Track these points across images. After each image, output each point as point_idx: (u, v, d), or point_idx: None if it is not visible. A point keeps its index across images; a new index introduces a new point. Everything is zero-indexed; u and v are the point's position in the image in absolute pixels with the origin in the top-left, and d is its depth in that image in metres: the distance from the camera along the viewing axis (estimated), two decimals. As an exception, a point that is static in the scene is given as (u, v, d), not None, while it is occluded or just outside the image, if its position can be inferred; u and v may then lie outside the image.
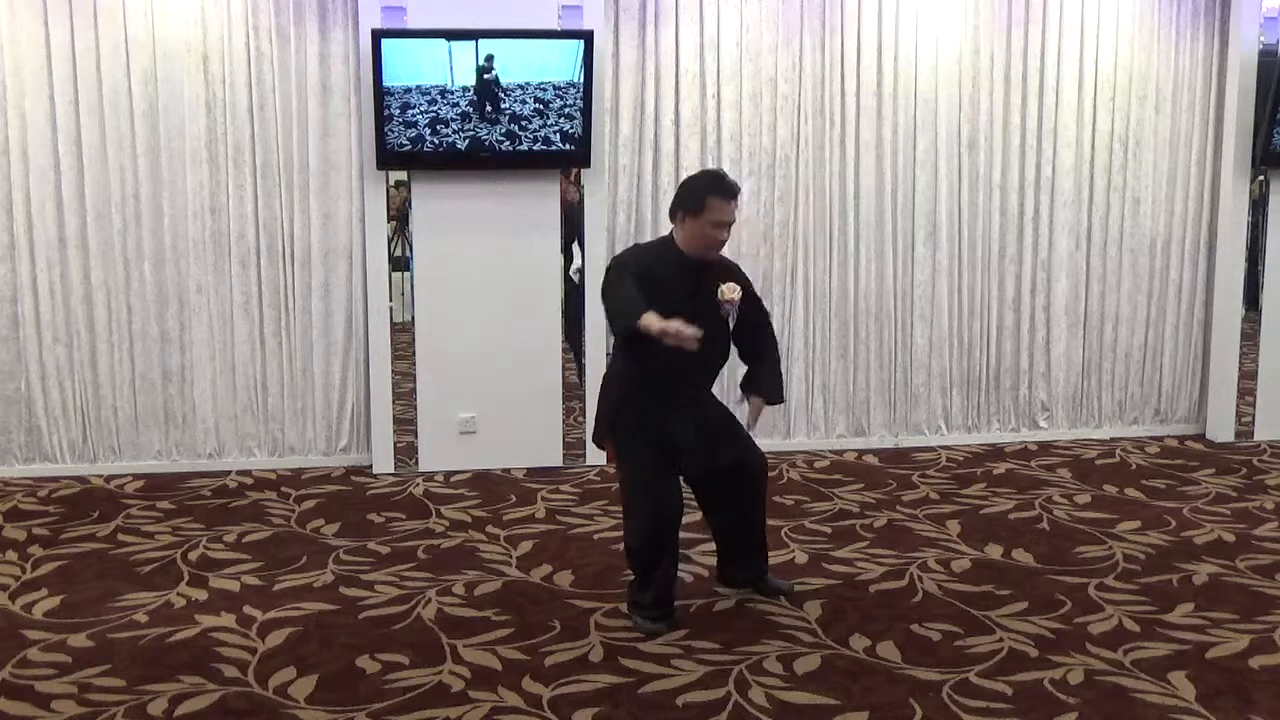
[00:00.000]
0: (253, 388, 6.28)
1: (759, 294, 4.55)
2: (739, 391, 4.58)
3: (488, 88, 5.88)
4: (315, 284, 6.22)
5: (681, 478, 4.35)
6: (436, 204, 6.14)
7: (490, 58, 5.85)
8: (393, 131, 5.88)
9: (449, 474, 6.23)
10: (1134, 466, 6.50)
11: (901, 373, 6.81)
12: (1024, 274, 6.86)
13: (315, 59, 6.07)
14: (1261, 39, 6.70)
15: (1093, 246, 6.92)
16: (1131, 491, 6.02)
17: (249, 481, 6.12)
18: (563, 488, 6.02)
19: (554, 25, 6.05)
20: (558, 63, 5.92)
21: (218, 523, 5.47)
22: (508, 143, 5.99)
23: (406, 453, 6.32)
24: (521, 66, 5.90)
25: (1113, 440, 7.01)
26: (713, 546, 4.99)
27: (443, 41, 5.83)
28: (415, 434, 6.31)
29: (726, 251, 4.41)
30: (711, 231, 4.14)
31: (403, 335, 6.37)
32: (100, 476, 6.16)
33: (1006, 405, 6.97)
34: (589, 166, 6.15)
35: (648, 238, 6.40)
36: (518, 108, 5.95)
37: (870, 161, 6.60)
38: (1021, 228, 6.82)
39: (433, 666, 3.98)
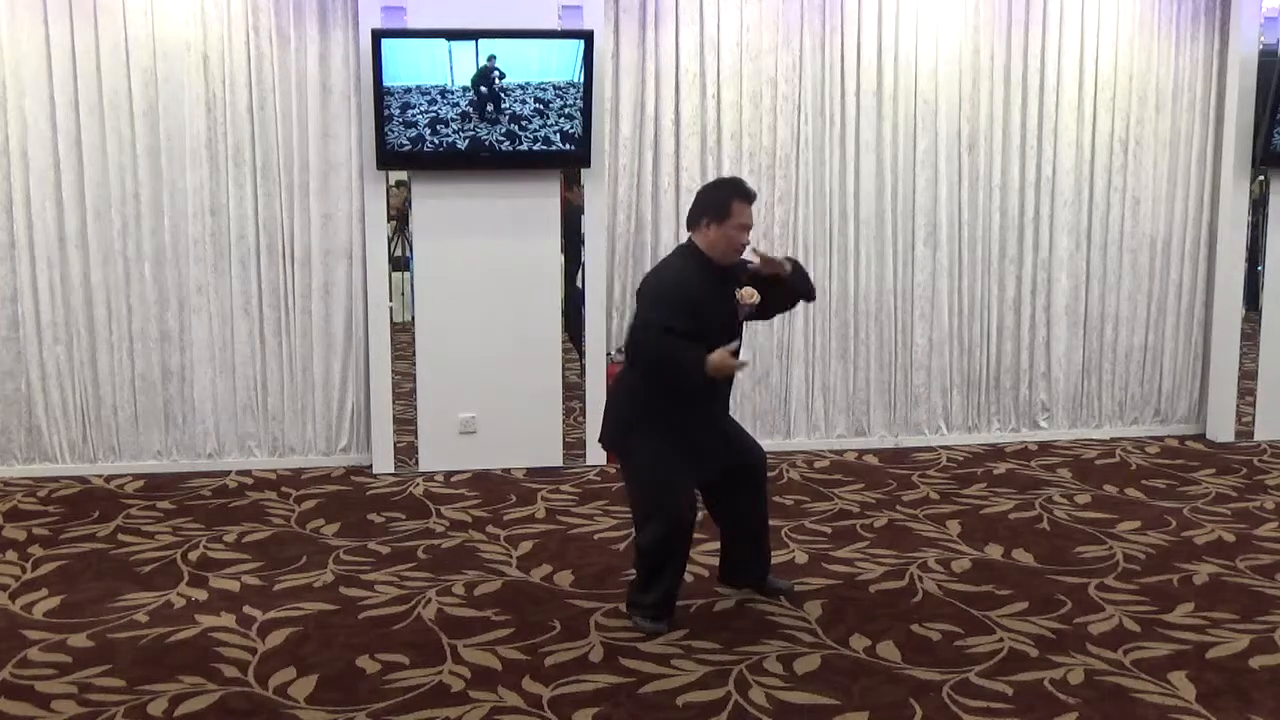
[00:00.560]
0: (253, 388, 6.28)
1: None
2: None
3: (490, 88, 5.88)
4: (315, 284, 6.22)
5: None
6: (436, 204, 6.14)
7: (492, 58, 5.84)
8: (393, 131, 5.88)
9: (449, 474, 6.23)
10: (1134, 466, 6.50)
11: (901, 373, 6.81)
12: (1024, 274, 6.86)
13: (315, 59, 6.07)
14: (1261, 39, 6.70)
15: (1093, 246, 6.92)
16: (1132, 491, 6.02)
17: (249, 481, 6.12)
18: (563, 488, 6.02)
19: (554, 25, 6.05)
20: (558, 63, 5.92)
21: (218, 523, 5.47)
22: (508, 143, 5.99)
23: (406, 453, 6.32)
24: (521, 66, 5.89)
25: (1113, 440, 7.01)
26: (711, 546, 4.99)
27: (443, 41, 5.83)
28: (415, 434, 6.31)
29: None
30: (736, 235, 4.20)
31: (403, 335, 6.37)
32: (100, 476, 6.16)
33: (1006, 405, 6.97)
34: (589, 167, 6.15)
35: (648, 238, 6.41)
36: (518, 108, 5.95)
37: (870, 161, 6.60)
38: (1021, 228, 6.82)
39: (433, 666, 3.98)
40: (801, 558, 5.01)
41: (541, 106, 5.95)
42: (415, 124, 5.89)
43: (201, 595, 4.59)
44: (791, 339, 6.64)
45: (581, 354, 6.54)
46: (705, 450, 4.28)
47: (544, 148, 6.02)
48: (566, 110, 5.97)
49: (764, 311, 4.42)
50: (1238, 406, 7.05)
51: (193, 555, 5.04)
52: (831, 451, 6.70)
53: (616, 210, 6.40)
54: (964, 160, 6.70)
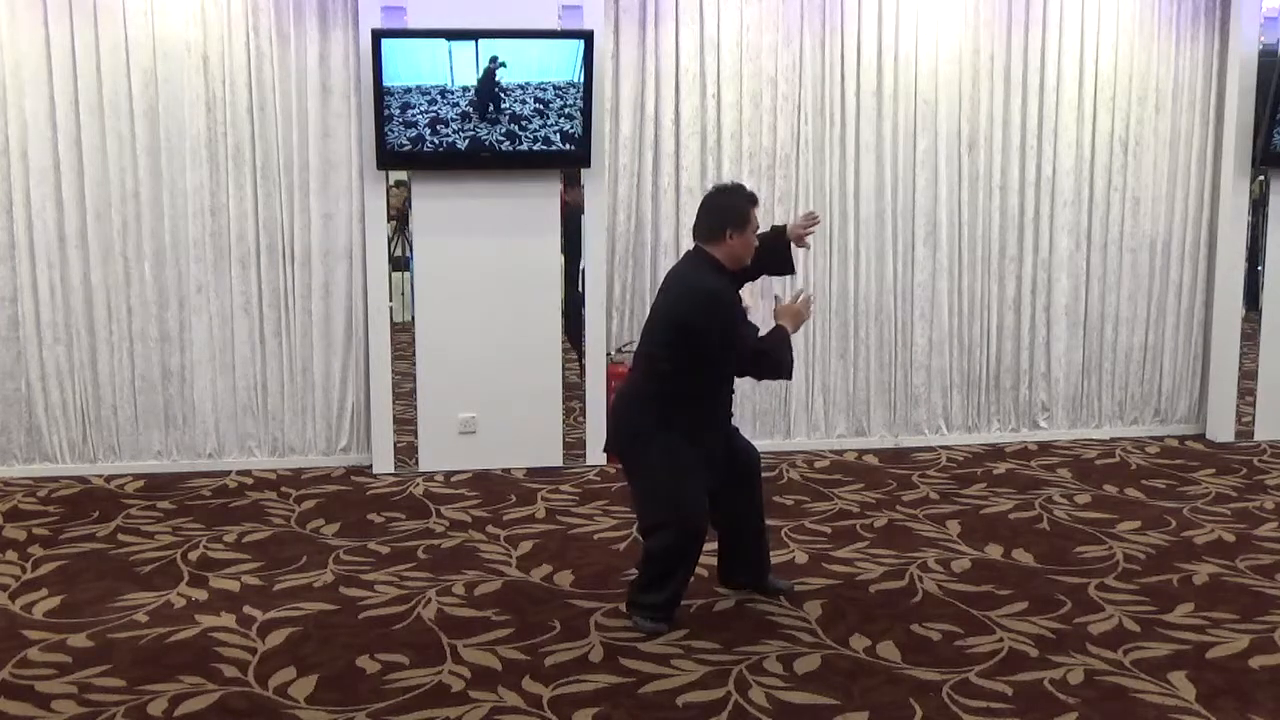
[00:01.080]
0: (253, 388, 6.28)
1: None
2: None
3: (489, 87, 5.88)
4: (315, 284, 6.22)
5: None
6: (436, 204, 6.14)
7: (494, 59, 5.84)
8: (393, 131, 5.88)
9: (449, 474, 6.23)
10: (1134, 466, 6.50)
11: (901, 373, 6.81)
12: (1024, 274, 6.86)
13: (315, 59, 6.07)
14: (1261, 39, 6.70)
15: (1093, 246, 6.92)
16: (1131, 491, 6.02)
17: (249, 481, 6.12)
18: (563, 488, 6.02)
19: (554, 25, 6.05)
20: (558, 63, 5.92)
21: (218, 523, 5.46)
22: (508, 143, 5.99)
23: (406, 453, 6.32)
24: (522, 66, 5.89)
25: (1113, 440, 7.01)
26: (711, 546, 5.00)
27: (443, 41, 5.83)
28: (415, 434, 6.31)
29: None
30: (752, 240, 4.32)
31: (403, 335, 6.37)
32: (100, 476, 6.16)
33: (1006, 405, 6.97)
34: (589, 166, 6.15)
35: (648, 237, 6.42)
36: (518, 108, 5.95)
37: (870, 161, 6.60)
38: (1021, 228, 6.82)
39: (433, 666, 3.98)
40: (801, 558, 5.01)
41: (541, 106, 5.95)
42: (415, 124, 5.89)
43: (201, 595, 4.59)
44: (791, 339, 6.62)
45: (581, 355, 6.54)
46: (714, 457, 4.30)
47: (544, 148, 6.02)
48: (566, 110, 5.97)
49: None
50: (1238, 406, 7.05)
51: (193, 555, 5.04)
52: (831, 451, 6.70)
53: (616, 210, 6.40)
54: (964, 160, 6.70)
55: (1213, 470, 6.42)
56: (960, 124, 6.66)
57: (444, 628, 4.29)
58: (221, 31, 6.00)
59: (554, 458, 6.37)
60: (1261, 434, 7.02)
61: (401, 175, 6.28)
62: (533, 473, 6.27)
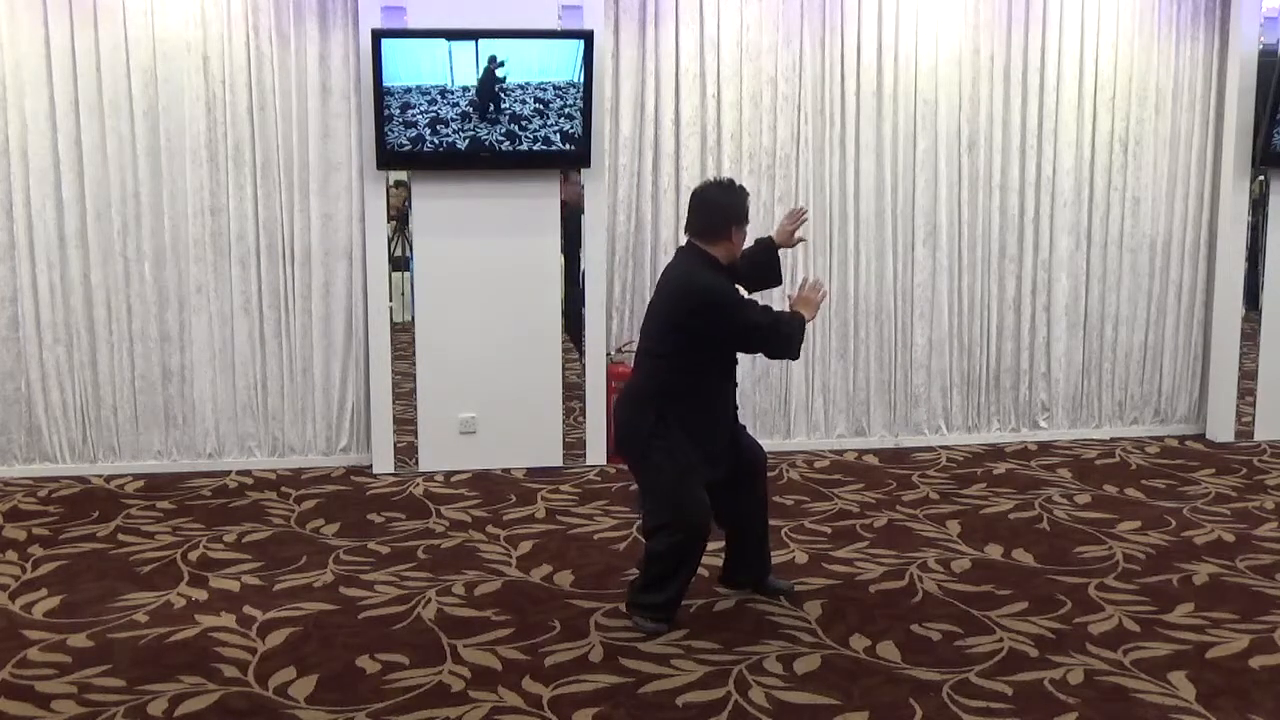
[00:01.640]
0: (253, 388, 6.28)
1: None
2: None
3: (489, 87, 5.88)
4: (315, 284, 6.22)
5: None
6: (436, 204, 6.14)
7: (493, 58, 5.84)
8: (393, 131, 5.88)
9: (449, 474, 6.23)
10: (1134, 466, 6.50)
11: (901, 373, 6.81)
12: (1024, 274, 6.86)
13: (315, 59, 6.07)
14: (1261, 39, 6.70)
15: (1093, 246, 6.92)
16: (1131, 491, 6.02)
17: (249, 481, 6.12)
18: (563, 488, 6.02)
19: (554, 25, 6.05)
20: (558, 63, 5.92)
21: (218, 523, 5.46)
22: (508, 143, 5.99)
23: (406, 453, 6.32)
24: (522, 66, 5.89)
25: (1113, 440, 7.01)
26: (711, 546, 5.00)
27: (443, 41, 5.83)
28: (415, 434, 6.31)
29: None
30: (747, 236, 4.34)
31: (403, 335, 6.37)
32: (100, 476, 6.16)
33: (1006, 405, 6.97)
34: (589, 166, 6.15)
35: (648, 237, 6.42)
36: (518, 108, 5.95)
37: (870, 161, 6.60)
38: (1021, 228, 6.82)
39: (433, 666, 3.98)
40: (801, 558, 5.01)
41: (541, 106, 5.95)
42: (415, 124, 5.89)
43: (201, 595, 4.59)
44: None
45: (581, 354, 6.55)
46: (717, 455, 4.30)
47: (544, 148, 6.02)
48: (566, 110, 5.97)
49: None
50: (1238, 406, 7.05)
51: (193, 555, 5.04)
52: (831, 451, 6.70)
53: (616, 210, 6.40)
54: (964, 160, 6.70)
55: (1213, 470, 6.42)
56: (960, 124, 6.66)
57: (444, 628, 4.29)
58: (221, 31, 6.00)
59: (554, 458, 6.37)
60: (1261, 434, 7.02)
61: (401, 175, 6.28)
62: (533, 473, 6.27)
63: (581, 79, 5.94)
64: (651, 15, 6.31)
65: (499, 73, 5.85)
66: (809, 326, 4.42)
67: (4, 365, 6.08)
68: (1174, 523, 5.50)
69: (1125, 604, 4.52)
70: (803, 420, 6.77)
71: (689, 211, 4.31)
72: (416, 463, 6.30)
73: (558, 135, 6.00)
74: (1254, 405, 7.03)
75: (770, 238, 4.62)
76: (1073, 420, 7.06)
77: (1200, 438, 7.09)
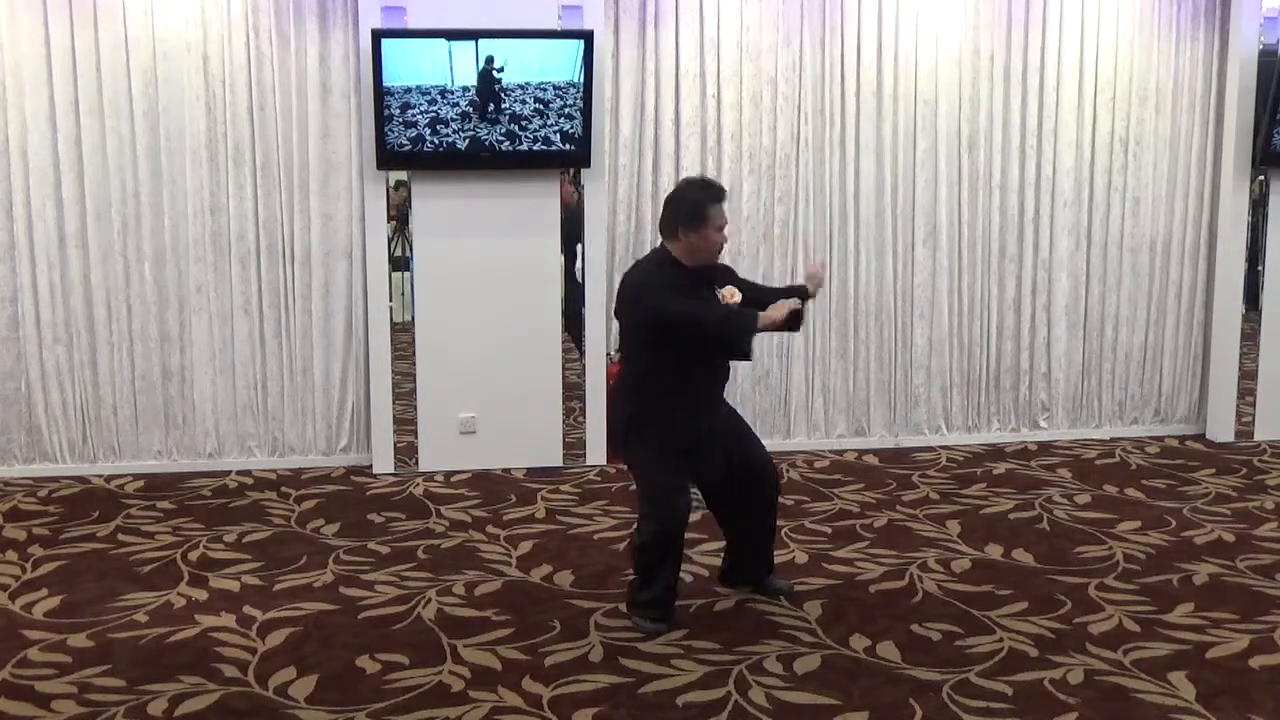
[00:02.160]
0: (253, 388, 6.28)
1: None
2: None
3: (489, 87, 5.88)
4: (315, 284, 6.22)
5: (694, 483, 4.40)
6: (436, 204, 6.14)
7: (490, 59, 5.84)
8: (393, 131, 5.88)
9: (449, 474, 6.23)
10: (1134, 466, 6.50)
11: (901, 373, 6.81)
12: (1024, 274, 6.86)
13: (315, 59, 6.07)
14: (1261, 39, 6.70)
15: (1093, 246, 6.92)
16: (1131, 491, 6.02)
17: (249, 481, 6.12)
18: (563, 488, 6.02)
19: (554, 25, 6.05)
20: (558, 63, 5.92)
21: (218, 523, 5.47)
22: (508, 143, 5.99)
23: (406, 453, 6.32)
24: (522, 66, 5.89)
25: (1113, 440, 7.01)
26: (711, 546, 5.00)
27: (443, 41, 5.83)
28: (415, 434, 6.31)
29: (727, 253, 4.43)
30: (716, 237, 4.21)
31: (403, 335, 6.37)
32: (100, 476, 6.16)
33: (1006, 405, 6.97)
34: (589, 166, 6.15)
35: (647, 237, 6.41)
36: (518, 108, 5.95)
37: (870, 161, 6.60)
38: (1021, 228, 6.82)
39: (433, 666, 3.98)
40: (801, 558, 5.01)
41: (541, 106, 5.95)
42: (415, 124, 5.89)
43: (201, 595, 4.59)
44: (791, 339, 6.63)
45: (582, 353, 6.55)
46: (700, 450, 4.29)
47: (544, 148, 6.02)
48: (566, 110, 5.97)
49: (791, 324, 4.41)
50: (1238, 406, 7.05)
51: (193, 555, 5.04)
52: (831, 451, 6.70)
53: (616, 210, 6.40)
54: (964, 160, 6.70)
55: (1213, 470, 6.42)
56: (960, 124, 6.66)
57: (444, 628, 4.29)
58: (221, 31, 6.00)
59: (554, 458, 6.37)
60: (1261, 434, 7.02)
61: (401, 175, 6.28)
62: (533, 473, 6.27)
63: (581, 79, 5.94)
64: (651, 15, 6.31)
65: (496, 74, 5.85)
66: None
67: (4, 365, 6.08)
68: (1174, 523, 5.50)
69: (1125, 604, 4.52)
70: (803, 420, 6.76)
71: None
72: (416, 463, 6.30)
73: (558, 135, 6.00)
74: (1254, 405, 7.03)
75: (803, 287, 4.48)
76: (1073, 420, 7.05)
77: (1200, 438, 7.09)
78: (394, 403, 6.29)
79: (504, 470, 6.29)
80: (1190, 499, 5.88)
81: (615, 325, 6.41)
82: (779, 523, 5.30)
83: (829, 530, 5.38)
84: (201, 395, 6.23)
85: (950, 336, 6.82)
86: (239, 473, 6.24)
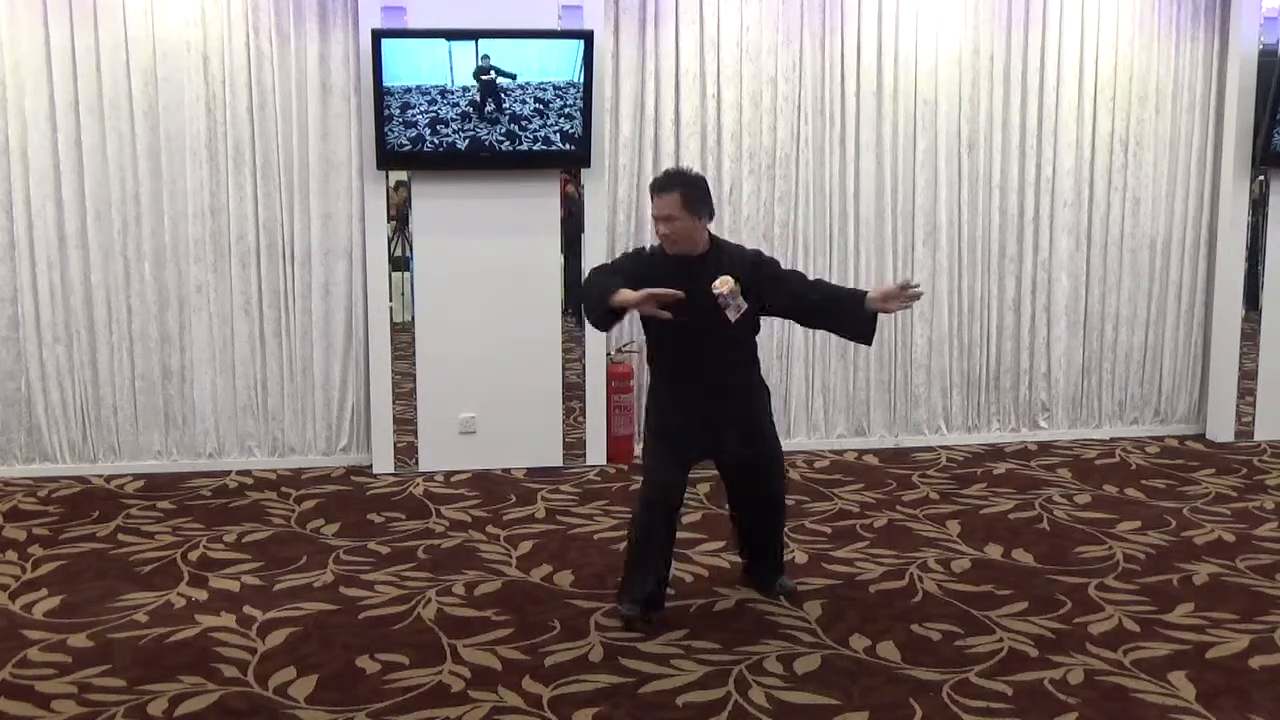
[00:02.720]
0: (253, 388, 6.28)
1: (783, 268, 4.44)
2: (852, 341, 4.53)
3: (489, 86, 5.89)
4: (315, 284, 6.22)
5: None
6: (436, 204, 6.14)
7: (486, 57, 5.85)
8: (393, 131, 5.88)
9: (449, 474, 6.23)
10: (1134, 466, 6.50)
11: (901, 373, 6.81)
12: (1024, 274, 6.86)
13: (315, 59, 6.07)
14: (1261, 39, 6.70)
15: (1093, 246, 6.92)
16: (1131, 491, 6.02)
17: (249, 481, 6.12)
18: (563, 488, 6.02)
19: (554, 25, 6.05)
20: (558, 63, 5.92)
21: (218, 523, 5.47)
22: (508, 143, 5.99)
23: (406, 453, 6.32)
24: (522, 66, 5.89)
25: (1113, 440, 7.01)
26: (711, 546, 5.03)
27: (443, 41, 5.83)
28: (415, 434, 6.31)
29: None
30: (657, 227, 4.25)
31: (403, 335, 6.37)
32: (100, 476, 6.16)
33: (1006, 405, 6.97)
34: (589, 166, 6.15)
35: (647, 237, 6.40)
36: (518, 108, 5.95)
37: (870, 161, 6.60)
38: (1021, 228, 6.82)
39: (433, 666, 3.98)
40: (801, 558, 5.01)
41: (541, 106, 5.95)
42: (415, 124, 5.90)
43: (201, 595, 4.59)
44: (791, 339, 6.64)
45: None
46: (688, 434, 4.29)
47: (544, 148, 6.02)
48: (566, 110, 5.97)
49: (808, 318, 4.42)
50: (1238, 406, 7.05)
51: (193, 555, 5.04)
52: (831, 451, 6.70)
53: (616, 210, 6.40)
54: (964, 160, 6.70)
55: (1213, 470, 6.42)
56: (960, 124, 6.66)
57: (444, 628, 4.29)
58: (221, 31, 6.00)
59: (554, 458, 6.37)
60: (1261, 434, 7.02)
61: (401, 175, 6.28)
62: (533, 473, 6.27)
63: (581, 79, 5.94)
64: (651, 15, 6.31)
65: (492, 74, 5.85)
66: (802, 328, 4.38)
67: (4, 365, 6.08)
68: (1174, 523, 5.50)
69: (1125, 604, 4.52)
70: (803, 420, 6.76)
71: None
72: (416, 463, 6.30)
73: (558, 135, 6.00)
74: (1254, 405, 7.03)
75: (864, 293, 4.28)
76: (1073, 420, 7.06)
77: (1200, 438, 7.09)
78: (394, 403, 6.29)
79: (504, 470, 6.29)
80: (1190, 499, 5.88)
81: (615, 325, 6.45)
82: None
83: (829, 530, 5.38)
84: (201, 395, 6.23)
85: (950, 336, 6.82)
86: (239, 473, 6.24)
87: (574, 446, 6.40)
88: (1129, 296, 7.00)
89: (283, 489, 5.99)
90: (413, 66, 5.82)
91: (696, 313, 4.11)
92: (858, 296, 4.27)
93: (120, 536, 5.28)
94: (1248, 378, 7.04)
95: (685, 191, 4.16)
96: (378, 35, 5.77)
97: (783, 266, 4.45)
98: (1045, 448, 6.84)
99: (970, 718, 3.65)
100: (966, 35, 6.60)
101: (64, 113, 5.93)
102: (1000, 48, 6.65)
